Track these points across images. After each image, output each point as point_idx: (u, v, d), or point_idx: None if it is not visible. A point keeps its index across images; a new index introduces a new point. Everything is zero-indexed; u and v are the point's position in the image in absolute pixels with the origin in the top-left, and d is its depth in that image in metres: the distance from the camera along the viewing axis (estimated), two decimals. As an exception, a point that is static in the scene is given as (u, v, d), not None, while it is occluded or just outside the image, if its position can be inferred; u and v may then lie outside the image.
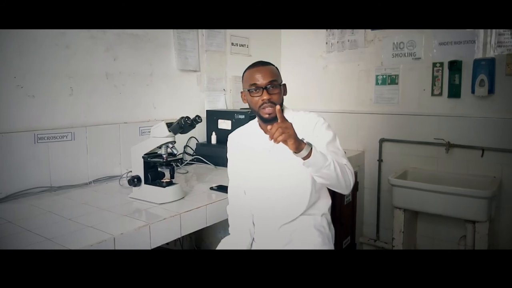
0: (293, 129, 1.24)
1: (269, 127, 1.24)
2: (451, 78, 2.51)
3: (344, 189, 1.39)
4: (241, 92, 1.53)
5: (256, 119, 1.56)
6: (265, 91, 1.42)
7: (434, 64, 2.57)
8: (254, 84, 1.43)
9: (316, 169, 1.30)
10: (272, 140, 1.22)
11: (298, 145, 1.24)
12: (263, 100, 1.43)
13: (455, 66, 2.47)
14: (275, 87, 1.44)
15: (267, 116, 1.44)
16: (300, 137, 1.37)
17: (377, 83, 2.84)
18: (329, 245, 1.51)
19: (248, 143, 1.56)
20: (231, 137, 1.64)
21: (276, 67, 1.51)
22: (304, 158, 1.26)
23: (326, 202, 1.56)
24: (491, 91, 2.36)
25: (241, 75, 1.53)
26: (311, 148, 1.26)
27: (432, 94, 2.60)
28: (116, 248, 1.27)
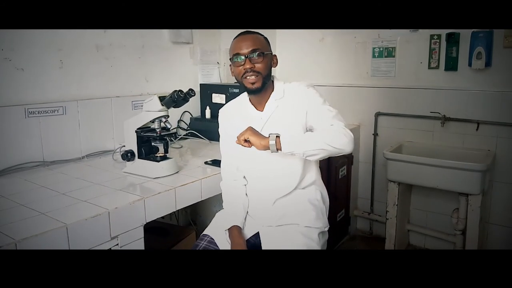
0: (251, 133, 1.33)
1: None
2: (448, 50, 2.48)
3: (343, 151, 1.31)
4: (230, 65, 1.47)
5: (246, 93, 1.52)
6: (247, 59, 1.37)
7: (431, 37, 2.53)
8: (237, 54, 1.39)
9: (302, 152, 1.31)
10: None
11: (264, 146, 1.31)
12: (245, 69, 1.38)
13: (452, 39, 2.44)
14: (259, 55, 1.38)
15: (250, 85, 1.40)
16: (295, 109, 1.35)
17: (373, 56, 2.79)
18: (322, 219, 1.51)
19: (240, 118, 1.52)
20: (222, 112, 1.61)
21: (264, 37, 1.45)
22: (278, 150, 1.31)
23: (318, 176, 1.56)
24: (488, 64, 2.33)
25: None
26: (279, 139, 1.29)
27: (429, 67, 2.57)
28: (110, 222, 1.27)
